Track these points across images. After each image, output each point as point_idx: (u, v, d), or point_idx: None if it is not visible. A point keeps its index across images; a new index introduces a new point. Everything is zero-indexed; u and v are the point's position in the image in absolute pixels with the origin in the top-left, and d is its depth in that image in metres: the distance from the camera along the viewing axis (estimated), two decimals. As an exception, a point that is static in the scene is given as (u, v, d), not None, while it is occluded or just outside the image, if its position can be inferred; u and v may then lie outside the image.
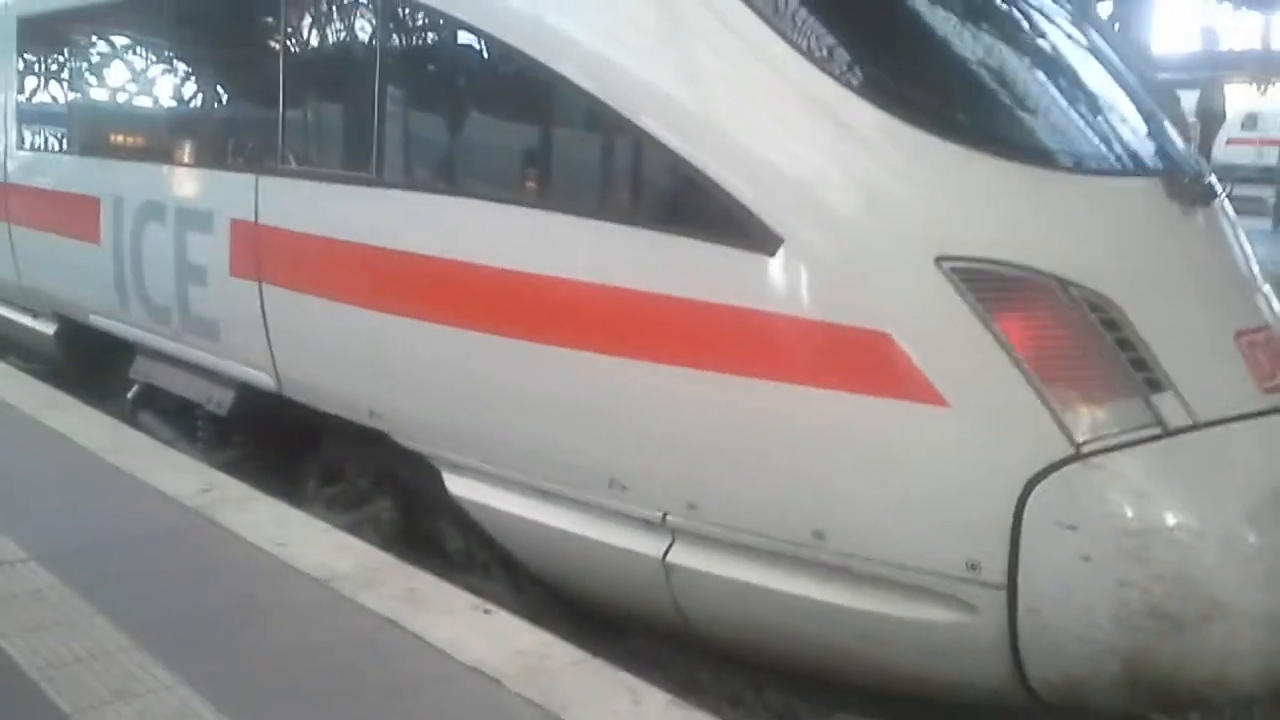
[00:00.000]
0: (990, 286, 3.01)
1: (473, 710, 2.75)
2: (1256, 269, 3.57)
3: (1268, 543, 2.89)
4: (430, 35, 4.08)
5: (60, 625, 3.12)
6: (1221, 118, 37.49)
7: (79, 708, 2.68)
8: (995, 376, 2.97)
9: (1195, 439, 2.97)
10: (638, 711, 2.74)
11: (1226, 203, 3.63)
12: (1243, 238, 3.61)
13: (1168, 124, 3.85)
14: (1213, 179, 3.53)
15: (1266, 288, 3.52)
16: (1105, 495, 2.86)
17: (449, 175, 4.08)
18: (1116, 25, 8.86)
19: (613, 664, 2.99)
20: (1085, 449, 2.88)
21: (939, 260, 3.02)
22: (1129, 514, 2.84)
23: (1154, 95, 7.94)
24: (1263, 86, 36.42)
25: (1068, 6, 4.09)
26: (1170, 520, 2.85)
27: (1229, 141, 36.01)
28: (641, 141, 3.42)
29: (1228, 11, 38.54)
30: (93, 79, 6.51)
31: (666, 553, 3.45)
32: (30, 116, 6.92)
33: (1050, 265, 3.04)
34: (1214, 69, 37.59)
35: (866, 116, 3.19)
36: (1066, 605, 2.88)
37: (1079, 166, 3.32)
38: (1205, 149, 38.48)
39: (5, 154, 7.00)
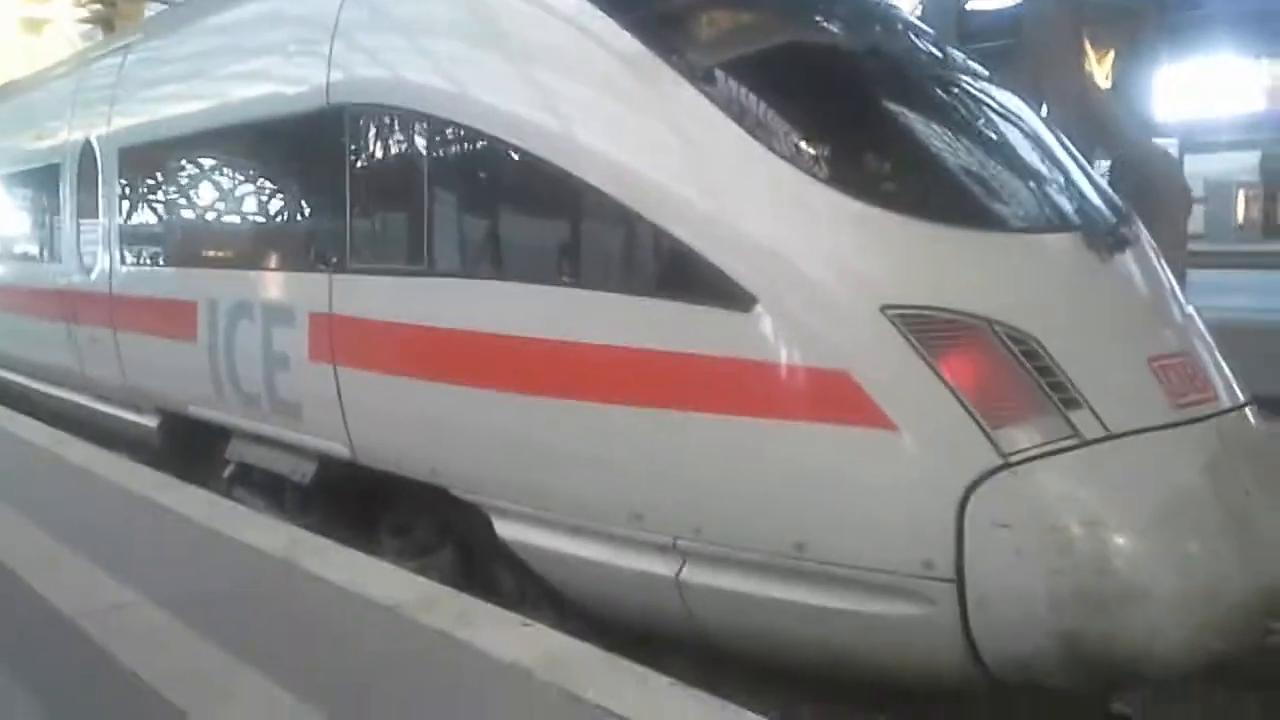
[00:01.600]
0: (928, 329, 3.61)
1: (507, 693, 3.33)
2: (1177, 301, 4.13)
3: (1176, 534, 3.40)
4: (470, 149, 4.81)
5: (167, 649, 3.76)
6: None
7: (191, 702, 3.32)
8: (935, 403, 3.55)
9: (1108, 447, 3.51)
10: (644, 690, 3.29)
11: (1146, 244, 4.22)
12: (1162, 276, 4.18)
13: (1095, 182, 4.46)
14: (1126, 230, 4.12)
15: (1186, 316, 4.07)
16: (1030, 497, 3.40)
17: (488, 263, 4.79)
18: (1113, 86, 9.50)
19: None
20: (1013, 459, 3.44)
21: (885, 309, 3.64)
22: (1052, 511, 3.38)
23: (1152, 161, 8.46)
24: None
25: (997, 83, 4.75)
26: (1088, 515, 3.37)
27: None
28: (647, 228, 4.09)
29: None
30: (186, 200, 7.42)
31: (679, 572, 4.03)
32: (131, 236, 7.85)
33: (979, 309, 3.64)
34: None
35: (823, 196, 3.85)
36: (1007, 594, 3.40)
37: (1005, 226, 3.95)
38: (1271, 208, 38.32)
39: (111, 270, 7.92)
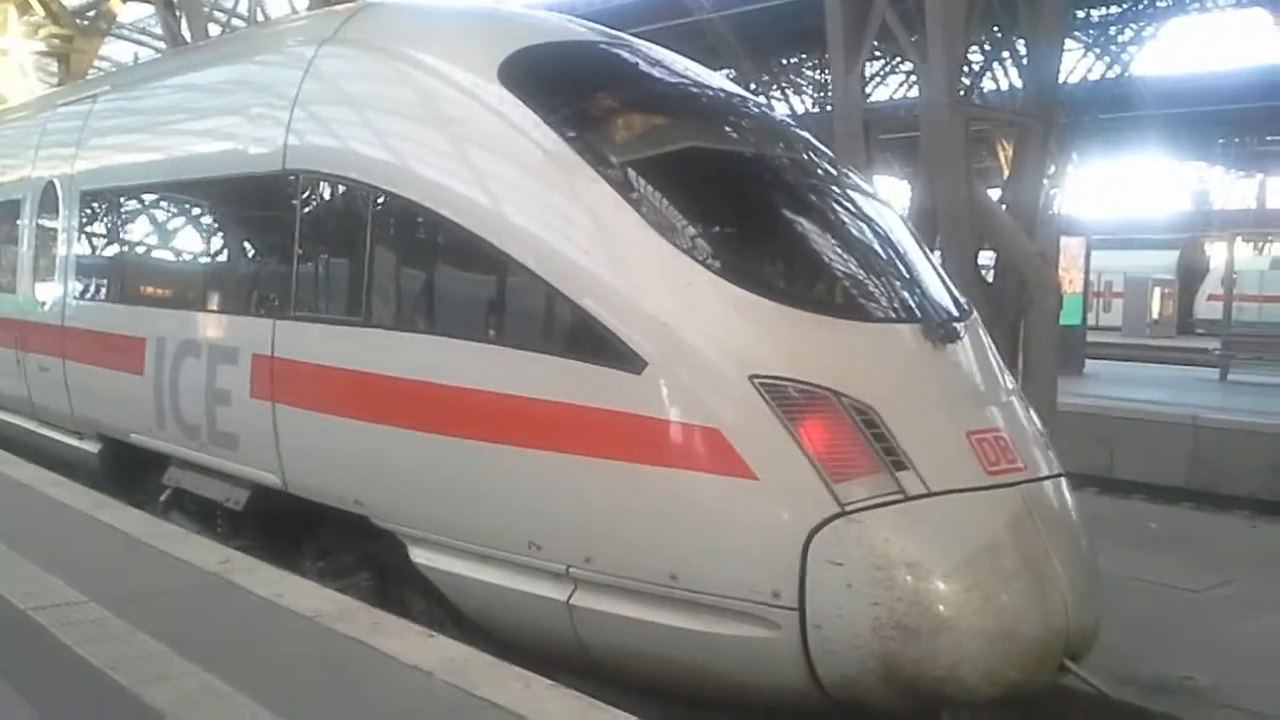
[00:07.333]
0: (786, 396, 4.28)
1: (408, 689, 3.88)
2: (1000, 387, 4.87)
3: (980, 577, 4.07)
4: (408, 218, 5.44)
5: (111, 639, 4.26)
6: (1202, 275, 39.29)
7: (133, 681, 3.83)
8: (788, 458, 4.21)
9: (928, 502, 4.19)
10: (528, 690, 3.86)
11: (981, 338, 4.97)
12: (991, 365, 4.93)
13: (935, 282, 5.22)
14: (958, 325, 4.87)
15: (1007, 400, 4.80)
16: (860, 539, 4.06)
17: (417, 318, 5.41)
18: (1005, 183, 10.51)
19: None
20: (848, 508, 4.10)
21: (751, 377, 4.31)
22: (877, 552, 4.04)
23: (1027, 260, 9.28)
24: (1259, 246, 38.20)
25: (865, 189, 5.52)
26: (906, 556, 4.03)
27: (1209, 297, 37.50)
28: (557, 297, 4.73)
29: (1219, 174, 41.02)
30: (141, 243, 7.96)
31: (570, 597, 4.62)
32: (85, 273, 8.36)
33: (828, 382, 4.33)
34: (1205, 228, 39.61)
35: (707, 280, 4.54)
36: (838, 621, 4.03)
37: (857, 315, 4.71)
38: (1186, 304, 39.89)
39: (64, 303, 8.39)
